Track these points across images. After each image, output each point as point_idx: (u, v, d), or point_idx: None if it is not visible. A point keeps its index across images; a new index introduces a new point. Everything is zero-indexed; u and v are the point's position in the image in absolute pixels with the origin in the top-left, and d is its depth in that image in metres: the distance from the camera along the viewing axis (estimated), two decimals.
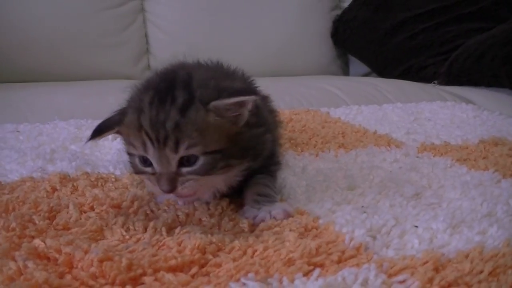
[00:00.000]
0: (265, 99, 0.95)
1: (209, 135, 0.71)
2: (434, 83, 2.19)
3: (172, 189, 0.72)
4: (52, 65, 2.06)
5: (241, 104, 0.72)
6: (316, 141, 1.14)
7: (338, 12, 2.60)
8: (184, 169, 0.71)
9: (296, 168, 0.95)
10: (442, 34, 2.39)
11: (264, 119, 0.82)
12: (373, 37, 2.51)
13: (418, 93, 1.88)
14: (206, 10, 2.36)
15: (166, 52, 2.30)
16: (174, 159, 0.71)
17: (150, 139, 0.71)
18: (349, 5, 2.59)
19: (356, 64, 2.60)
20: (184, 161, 0.71)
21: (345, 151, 1.07)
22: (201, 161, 0.71)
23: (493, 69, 2.01)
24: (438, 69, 2.28)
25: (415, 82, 2.12)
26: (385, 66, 2.49)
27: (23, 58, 1.99)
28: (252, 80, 0.90)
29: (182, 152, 0.70)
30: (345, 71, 2.60)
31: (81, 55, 2.13)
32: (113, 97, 1.65)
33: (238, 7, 2.40)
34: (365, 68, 2.57)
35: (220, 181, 0.77)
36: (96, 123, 1.25)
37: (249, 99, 0.72)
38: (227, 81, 0.78)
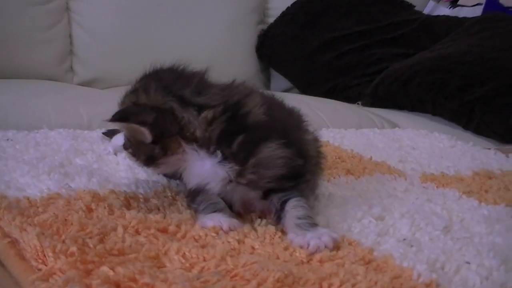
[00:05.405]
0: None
1: (124, 127, 0.86)
2: (358, 103, 2.28)
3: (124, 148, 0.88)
4: None
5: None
6: None
7: (264, 26, 2.63)
8: None
9: (319, 195, 0.96)
10: (367, 56, 2.49)
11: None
12: (299, 54, 2.57)
13: (349, 114, 1.96)
14: (133, 14, 2.35)
15: (90, 53, 2.27)
16: None
17: None
18: (275, 20, 2.63)
19: (277, 79, 2.65)
20: None
21: (355, 178, 1.09)
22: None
23: (419, 95, 2.12)
24: (363, 90, 2.37)
25: (342, 102, 2.21)
26: (310, 84, 2.56)
27: None
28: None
29: None
30: (267, 86, 2.65)
31: (1, 52, 2.06)
32: (49, 99, 1.67)
33: (166, 15, 2.40)
34: (286, 84, 2.63)
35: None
36: (89, 134, 1.24)
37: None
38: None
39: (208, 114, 0.82)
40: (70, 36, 2.27)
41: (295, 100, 1.94)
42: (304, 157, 0.88)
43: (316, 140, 0.97)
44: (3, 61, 2.06)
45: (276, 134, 0.84)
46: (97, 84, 2.27)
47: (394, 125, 1.98)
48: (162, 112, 0.81)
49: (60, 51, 2.24)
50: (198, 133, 0.81)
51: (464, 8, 2.76)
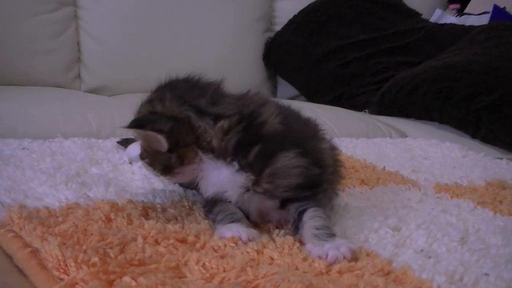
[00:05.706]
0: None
1: (140, 136, 0.87)
2: (365, 111, 2.28)
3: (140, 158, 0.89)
4: None
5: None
6: None
7: (271, 34, 2.64)
8: None
9: (335, 205, 0.96)
10: (373, 65, 2.49)
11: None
12: (305, 62, 2.57)
13: (356, 122, 1.97)
14: (141, 22, 2.36)
15: (98, 61, 2.28)
16: None
17: None
18: (282, 28, 2.64)
19: (284, 87, 2.65)
20: None
21: (369, 188, 1.09)
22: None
23: (425, 103, 2.12)
24: (369, 98, 2.37)
25: (348, 110, 2.22)
26: (316, 92, 2.56)
27: None
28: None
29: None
30: (274, 93, 2.65)
31: (9, 60, 2.07)
32: (57, 107, 1.67)
33: (173, 23, 2.40)
34: (293, 91, 2.63)
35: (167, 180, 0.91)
36: (103, 143, 1.24)
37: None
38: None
39: (224, 123, 0.82)
40: (78, 43, 2.29)
41: (302, 108, 1.96)
42: (320, 166, 0.88)
43: (332, 148, 0.97)
44: (11, 69, 2.08)
45: (291, 144, 0.84)
46: (104, 91, 2.28)
47: (401, 133, 1.99)
48: (178, 121, 0.82)
49: (68, 58, 2.26)
50: (214, 142, 0.82)
51: (471, 16, 2.76)
